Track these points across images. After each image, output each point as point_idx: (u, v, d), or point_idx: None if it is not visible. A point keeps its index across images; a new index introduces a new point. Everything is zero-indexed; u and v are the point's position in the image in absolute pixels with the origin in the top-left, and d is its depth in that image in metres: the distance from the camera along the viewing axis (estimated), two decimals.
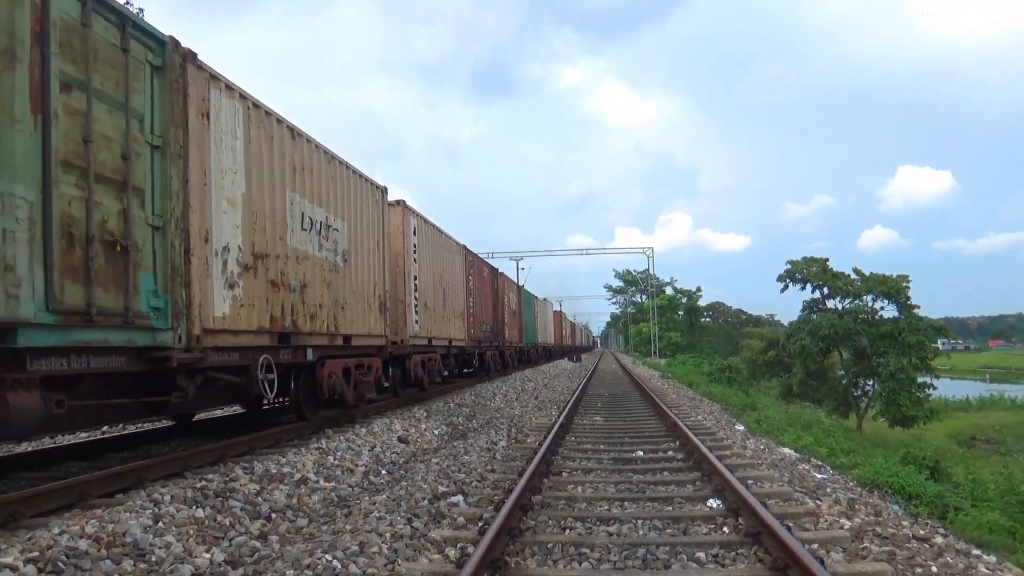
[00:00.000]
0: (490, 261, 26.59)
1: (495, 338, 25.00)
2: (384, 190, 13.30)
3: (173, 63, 6.86)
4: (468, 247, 21.42)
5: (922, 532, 5.91)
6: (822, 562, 4.48)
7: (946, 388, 50.51)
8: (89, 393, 6.32)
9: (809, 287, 46.11)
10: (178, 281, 6.76)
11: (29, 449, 9.19)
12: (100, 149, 5.84)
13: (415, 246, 15.37)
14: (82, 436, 10.28)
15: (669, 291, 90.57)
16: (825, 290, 45.53)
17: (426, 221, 16.46)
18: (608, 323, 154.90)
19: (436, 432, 11.75)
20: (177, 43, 6.92)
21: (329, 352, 10.54)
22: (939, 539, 5.70)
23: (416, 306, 15.17)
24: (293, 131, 9.47)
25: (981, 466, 16.67)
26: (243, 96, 8.23)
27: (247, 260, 8.20)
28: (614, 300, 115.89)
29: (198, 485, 6.37)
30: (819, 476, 8.54)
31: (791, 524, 5.48)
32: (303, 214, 9.70)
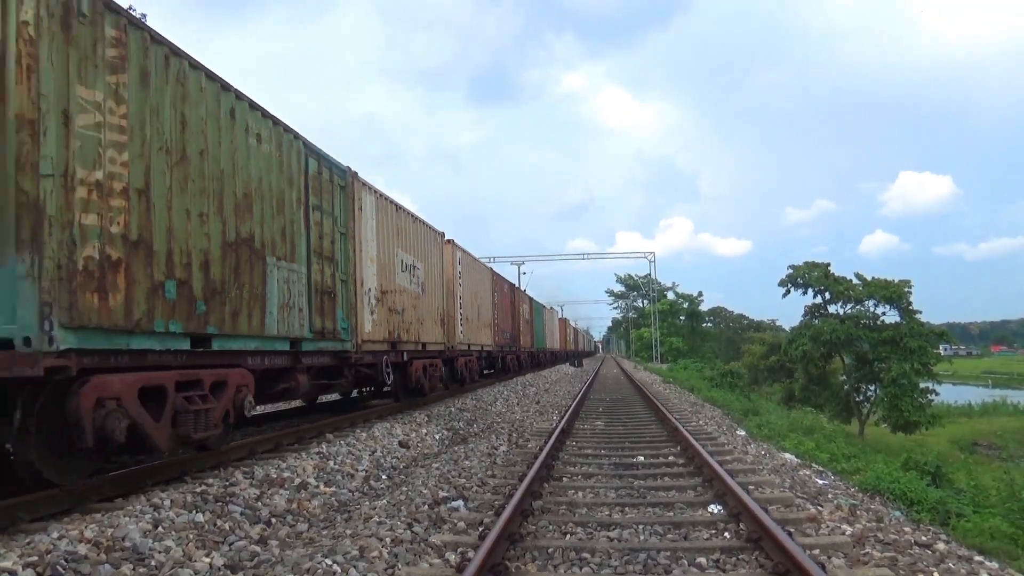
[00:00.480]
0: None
1: (513, 343, 29.10)
2: (443, 234, 17.78)
3: (348, 182, 11.14)
4: (494, 270, 26.64)
5: (924, 538, 5.89)
6: (823, 568, 4.47)
7: (948, 394, 50.44)
8: (313, 377, 10.14)
9: (811, 292, 46.09)
10: (351, 312, 10.98)
11: None
12: (324, 240, 10.02)
13: (460, 273, 19.47)
14: None
15: (671, 296, 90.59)
16: (827, 295, 45.49)
17: (466, 252, 20.60)
18: (609, 328, 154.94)
19: (437, 437, 11.73)
20: (350, 168, 11.25)
21: (415, 354, 14.55)
22: (941, 545, 5.68)
23: (461, 319, 19.25)
24: (397, 206, 13.71)
25: (983, 472, 16.63)
26: (375, 191, 12.46)
27: (378, 295, 12.40)
28: (615, 305, 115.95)
29: (198, 490, 6.36)
30: (820, 482, 8.52)
31: (792, 529, 5.47)
32: (402, 261, 13.99)
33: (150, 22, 6.43)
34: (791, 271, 46.65)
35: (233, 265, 7.60)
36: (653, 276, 75.23)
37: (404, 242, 14.10)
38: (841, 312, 44.91)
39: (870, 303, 43.82)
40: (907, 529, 6.26)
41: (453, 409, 15.12)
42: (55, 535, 4.80)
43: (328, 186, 10.31)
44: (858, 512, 6.61)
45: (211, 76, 7.36)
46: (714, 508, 6.39)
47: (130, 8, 6.12)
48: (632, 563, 4.96)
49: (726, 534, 5.65)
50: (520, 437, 11.43)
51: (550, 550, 5.22)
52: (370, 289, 11.92)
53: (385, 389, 14.41)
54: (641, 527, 5.85)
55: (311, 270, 9.46)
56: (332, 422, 11.00)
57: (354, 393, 14.98)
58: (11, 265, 5.19)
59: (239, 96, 7.86)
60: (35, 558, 4.40)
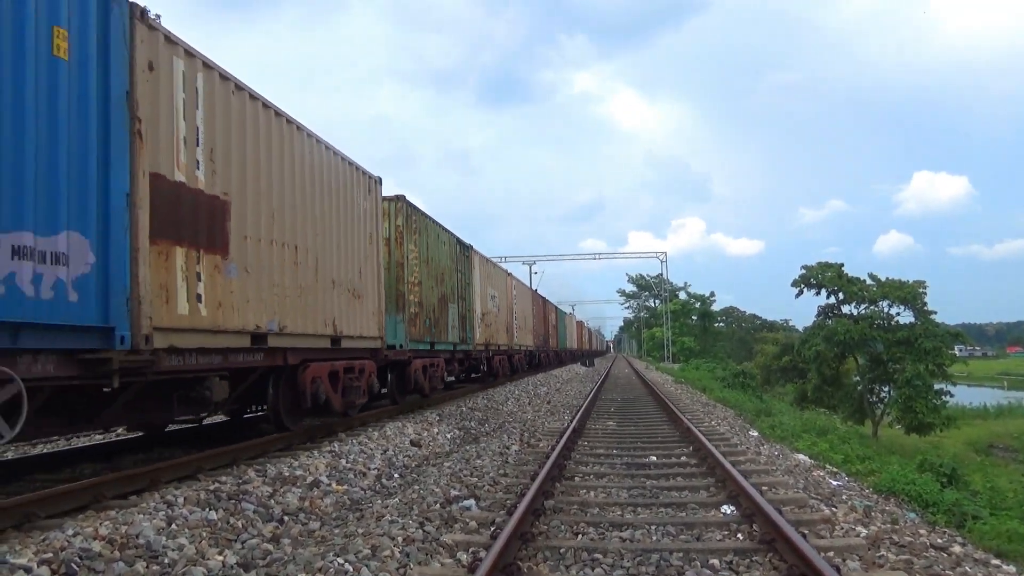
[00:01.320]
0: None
1: (545, 344, 37.65)
2: (507, 271, 27.68)
3: (470, 253, 19.39)
4: (536, 290, 38.66)
5: (940, 541, 5.83)
6: (838, 570, 4.43)
7: (963, 395, 49.96)
8: (458, 364, 18.42)
9: (824, 292, 45.73)
10: (471, 327, 18.88)
11: (44, 451, 9.26)
12: (462, 288, 18.19)
13: (515, 295, 27.72)
14: (96, 438, 10.34)
15: (682, 296, 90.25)
16: (840, 295, 45.11)
17: (518, 280, 30.23)
18: (621, 327, 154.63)
19: (448, 436, 11.73)
20: (472, 245, 19.66)
21: (495, 352, 22.53)
22: (957, 548, 5.62)
23: (516, 328, 27.39)
24: (487, 259, 22.87)
25: (999, 474, 16.47)
26: (479, 253, 20.75)
27: (481, 316, 20.39)
28: (627, 305, 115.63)
29: (211, 487, 6.38)
30: (834, 483, 8.45)
31: (806, 531, 5.43)
32: (489, 293, 22.19)
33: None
34: (804, 271, 46.29)
35: (441, 309, 15.83)
36: (665, 276, 75.02)
37: (490, 281, 22.54)
38: (855, 313, 44.57)
39: (884, 304, 43.47)
40: (923, 531, 6.20)
41: (464, 408, 15.13)
42: (70, 532, 4.83)
43: (463, 258, 18.65)
44: (873, 514, 6.56)
45: (434, 220, 15.69)
46: (727, 509, 6.35)
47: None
48: (644, 564, 4.93)
49: (739, 535, 5.62)
50: (532, 436, 11.41)
51: (562, 550, 5.21)
52: (478, 313, 20.04)
53: (474, 375, 21.94)
54: (654, 528, 5.82)
55: (458, 306, 17.58)
56: (345, 421, 11.02)
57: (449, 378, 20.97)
58: (395, 317, 12.78)
59: (439, 224, 16.19)
60: (50, 555, 4.43)
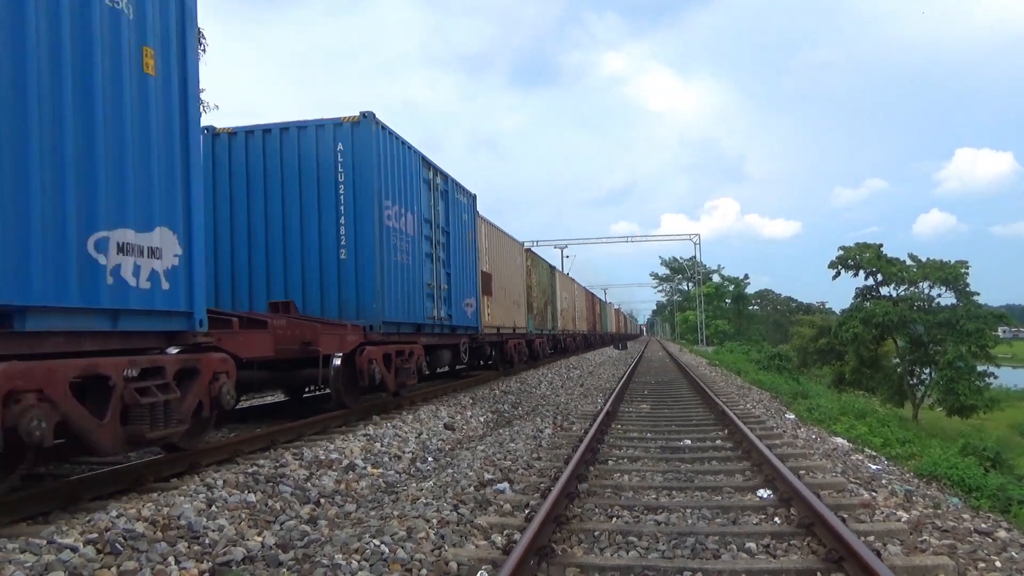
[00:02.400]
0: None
1: (593, 329, 47.84)
2: (570, 277, 38.88)
3: (554, 270, 31.63)
4: (586, 287, 48.89)
5: (984, 526, 5.70)
6: (879, 555, 4.36)
7: (1007, 377, 48.82)
8: (549, 343, 28.14)
9: (862, 274, 44.87)
10: (556, 319, 30.24)
11: None
12: (551, 294, 29.65)
13: (576, 294, 37.75)
14: None
15: (716, 279, 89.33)
16: (879, 277, 44.25)
17: (578, 283, 42.17)
18: (654, 311, 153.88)
19: (482, 419, 11.77)
20: (554, 266, 32.51)
21: (566, 336, 33.22)
22: (1002, 533, 5.48)
23: (576, 317, 37.19)
24: (563, 273, 37.52)
25: None
26: (555, 268, 32.55)
27: (560, 311, 31.48)
28: (660, 288, 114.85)
29: (250, 470, 6.49)
30: (873, 467, 8.31)
31: (845, 515, 5.35)
32: (563, 294, 33.05)
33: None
34: (841, 252, 45.44)
35: (544, 309, 26.78)
36: (698, 258, 74.28)
37: (563, 287, 32.36)
38: (894, 294, 43.72)
39: (924, 285, 42.57)
40: (966, 516, 6.07)
41: (498, 392, 15.17)
42: (114, 513, 4.94)
43: (551, 275, 29.15)
44: (914, 498, 6.44)
45: (541, 257, 28.87)
46: (763, 493, 6.28)
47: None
48: (680, 547, 4.90)
49: (776, 519, 5.55)
50: (565, 420, 11.41)
51: (596, 533, 5.20)
52: (559, 310, 29.78)
53: (550, 352, 27.72)
54: (689, 511, 5.78)
55: (551, 305, 27.99)
56: (381, 403, 11.12)
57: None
58: (528, 315, 23.11)
59: (543, 258, 29.10)
60: (95, 535, 4.54)
